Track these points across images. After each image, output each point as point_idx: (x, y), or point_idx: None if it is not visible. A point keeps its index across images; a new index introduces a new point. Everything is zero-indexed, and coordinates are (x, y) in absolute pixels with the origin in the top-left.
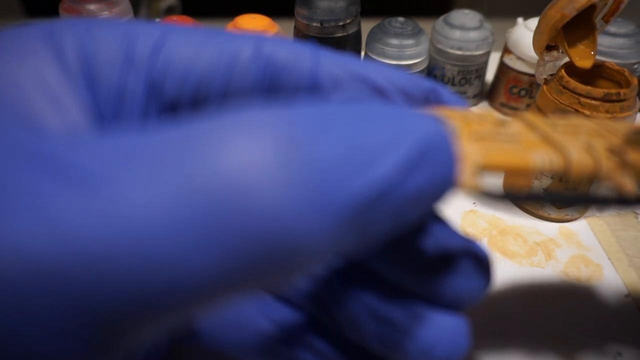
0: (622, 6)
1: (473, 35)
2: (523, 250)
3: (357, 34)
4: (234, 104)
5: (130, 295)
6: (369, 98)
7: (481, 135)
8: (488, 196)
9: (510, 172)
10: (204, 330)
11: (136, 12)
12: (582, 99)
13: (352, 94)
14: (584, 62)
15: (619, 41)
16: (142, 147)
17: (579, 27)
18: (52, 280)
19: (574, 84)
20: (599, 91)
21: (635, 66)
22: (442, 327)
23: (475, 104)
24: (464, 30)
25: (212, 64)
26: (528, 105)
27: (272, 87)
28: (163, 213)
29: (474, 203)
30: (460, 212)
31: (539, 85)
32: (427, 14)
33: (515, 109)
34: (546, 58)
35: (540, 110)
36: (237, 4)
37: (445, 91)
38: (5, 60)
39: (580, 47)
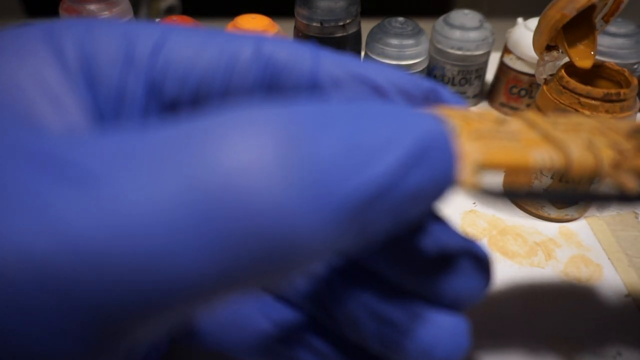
0: (622, 6)
1: (473, 35)
2: (523, 250)
3: (357, 34)
4: (233, 103)
5: (131, 294)
6: (369, 97)
7: (481, 133)
8: (488, 194)
9: (511, 170)
10: (204, 330)
11: (136, 12)
12: (582, 99)
13: (352, 94)
14: (584, 62)
15: (619, 41)
16: (141, 146)
17: (579, 27)
18: (52, 280)
19: (574, 84)
20: (599, 91)
21: (635, 66)
22: (442, 327)
23: (475, 104)
24: (464, 30)
25: (212, 64)
26: (528, 105)
27: (272, 87)
28: (163, 212)
29: (474, 203)
30: (460, 212)
31: (539, 85)
32: (427, 14)
33: (515, 109)
34: (546, 58)
35: (540, 110)
36: (237, 4)
37: (445, 91)
38: (5, 60)
39: (580, 47)
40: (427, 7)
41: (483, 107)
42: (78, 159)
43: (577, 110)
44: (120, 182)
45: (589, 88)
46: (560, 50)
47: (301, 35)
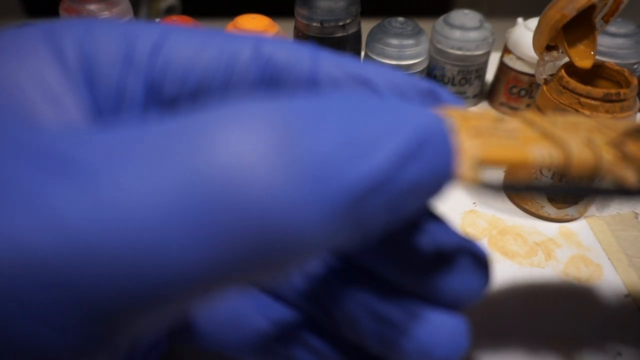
0: (622, 6)
1: (473, 35)
2: (523, 250)
3: (357, 34)
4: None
5: (129, 287)
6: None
7: (479, 131)
8: (486, 188)
9: (510, 168)
10: (202, 329)
11: (136, 12)
12: (582, 99)
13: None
14: (584, 62)
15: (619, 41)
16: (138, 139)
17: (579, 27)
18: (51, 275)
19: (574, 84)
20: (599, 91)
21: (635, 66)
22: (441, 327)
23: (475, 104)
24: (464, 30)
25: (212, 64)
26: (528, 105)
27: (271, 87)
28: (159, 205)
29: (474, 203)
30: (460, 212)
31: (539, 85)
32: (427, 14)
33: (515, 109)
34: (546, 58)
35: (540, 110)
36: (237, 4)
37: (444, 92)
38: (5, 60)
39: (580, 47)
40: (427, 7)
41: (483, 107)
42: (75, 153)
43: (577, 110)
44: (117, 175)
45: (589, 88)
46: (560, 50)
47: (301, 35)
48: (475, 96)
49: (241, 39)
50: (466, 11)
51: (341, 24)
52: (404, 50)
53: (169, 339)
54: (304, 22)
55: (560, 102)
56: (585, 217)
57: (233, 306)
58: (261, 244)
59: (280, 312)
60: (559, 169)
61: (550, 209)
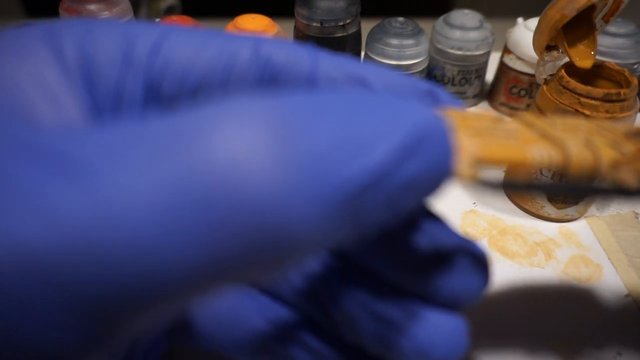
0: (622, 6)
1: (473, 35)
2: (523, 250)
3: (357, 34)
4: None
5: (128, 284)
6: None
7: (479, 131)
8: (485, 186)
9: (509, 168)
10: (201, 329)
11: (136, 12)
12: (582, 99)
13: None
14: (584, 62)
15: (619, 41)
16: (135, 137)
17: (579, 27)
18: (50, 273)
19: (574, 84)
20: (599, 91)
21: (635, 66)
22: (441, 327)
23: (475, 104)
24: (464, 30)
25: (211, 65)
26: (528, 105)
27: (270, 87)
28: (157, 203)
29: (474, 203)
30: (460, 212)
31: (539, 85)
32: (427, 14)
33: (515, 109)
34: (546, 58)
35: (540, 111)
36: (237, 4)
37: (443, 93)
38: (5, 60)
39: (580, 47)
40: (427, 7)
41: (483, 107)
42: (74, 152)
43: (577, 110)
44: (115, 172)
45: (589, 88)
46: (560, 50)
47: (301, 35)
48: (475, 96)
49: (241, 39)
50: (466, 11)
51: (341, 24)
52: (404, 50)
53: (169, 338)
54: (304, 22)
55: (560, 102)
56: (585, 217)
57: (232, 306)
58: (258, 241)
59: (279, 312)
60: (558, 170)
61: (550, 209)
